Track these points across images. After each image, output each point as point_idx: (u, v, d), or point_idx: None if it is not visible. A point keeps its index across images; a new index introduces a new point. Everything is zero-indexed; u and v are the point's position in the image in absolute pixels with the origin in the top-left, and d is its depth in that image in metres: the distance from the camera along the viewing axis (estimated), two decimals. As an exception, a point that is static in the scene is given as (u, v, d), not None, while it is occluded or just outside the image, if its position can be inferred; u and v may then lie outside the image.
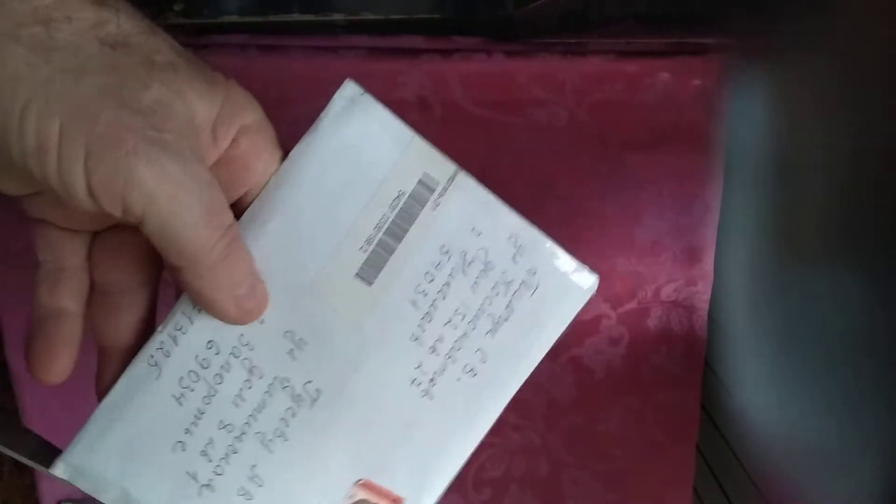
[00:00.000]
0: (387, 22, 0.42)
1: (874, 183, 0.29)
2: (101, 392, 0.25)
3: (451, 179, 0.25)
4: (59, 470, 0.24)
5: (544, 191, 0.44)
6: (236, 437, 0.24)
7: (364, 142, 0.25)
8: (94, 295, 0.25)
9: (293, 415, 0.24)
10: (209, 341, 0.24)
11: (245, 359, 0.24)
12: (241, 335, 0.24)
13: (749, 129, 0.41)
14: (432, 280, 0.25)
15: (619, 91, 0.41)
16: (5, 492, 0.88)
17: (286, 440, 0.24)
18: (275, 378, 0.24)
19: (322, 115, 0.26)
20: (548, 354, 0.48)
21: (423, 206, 0.25)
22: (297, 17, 0.42)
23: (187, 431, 0.24)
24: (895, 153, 0.28)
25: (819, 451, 0.35)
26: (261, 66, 0.42)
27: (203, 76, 0.22)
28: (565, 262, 0.26)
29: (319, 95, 0.43)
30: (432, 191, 0.25)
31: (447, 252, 0.25)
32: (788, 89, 0.36)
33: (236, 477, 0.24)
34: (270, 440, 0.24)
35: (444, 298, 0.25)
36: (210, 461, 0.24)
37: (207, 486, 0.24)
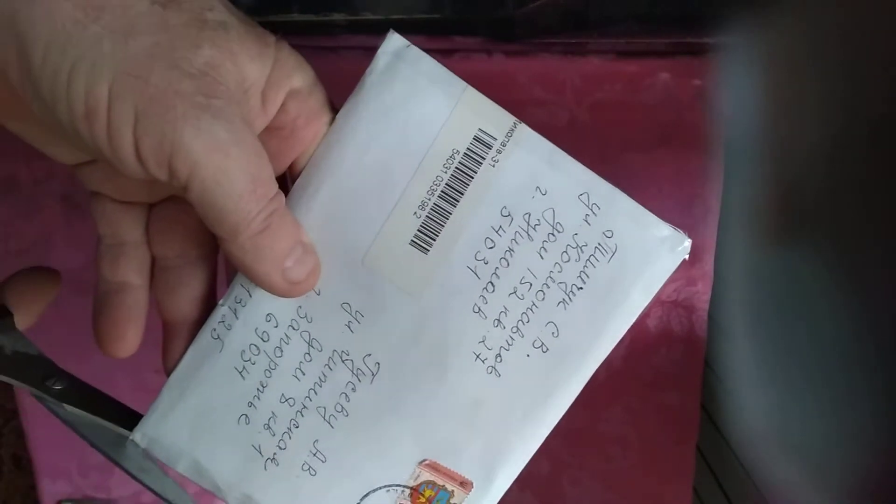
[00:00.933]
0: (387, 22, 0.42)
1: (866, 173, 0.29)
2: (169, 366, 0.25)
3: (510, 133, 0.23)
4: (138, 438, 0.24)
5: (544, 191, 0.44)
6: (298, 412, 0.24)
7: (413, 98, 0.23)
8: (156, 269, 0.25)
9: (353, 389, 0.24)
10: (268, 314, 0.23)
11: (304, 331, 0.23)
12: (300, 307, 0.23)
13: (744, 119, 0.41)
14: (493, 246, 0.22)
15: (620, 91, 0.41)
16: (5, 491, 0.88)
17: (347, 415, 0.24)
18: (334, 351, 0.23)
19: (367, 72, 0.24)
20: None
21: (480, 165, 0.23)
22: (296, 16, 0.42)
23: (250, 405, 0.24)
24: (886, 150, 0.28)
25: (819, 450, 0.35)
26: (261, 65, 0.42)
27: (255, 36, 0.22)
28: (648, 221, 0.23)
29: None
30: (489, 147, 0.23)
31: (509, 214, 0.22)
32: (776, 67, 0.36)
33: (299, 451, 0.24)
34: (332, 415, 0.24)
35: (507, 266, 0.23)
36: (273, 435, 0.24)
37: (272, 459, 0.24)
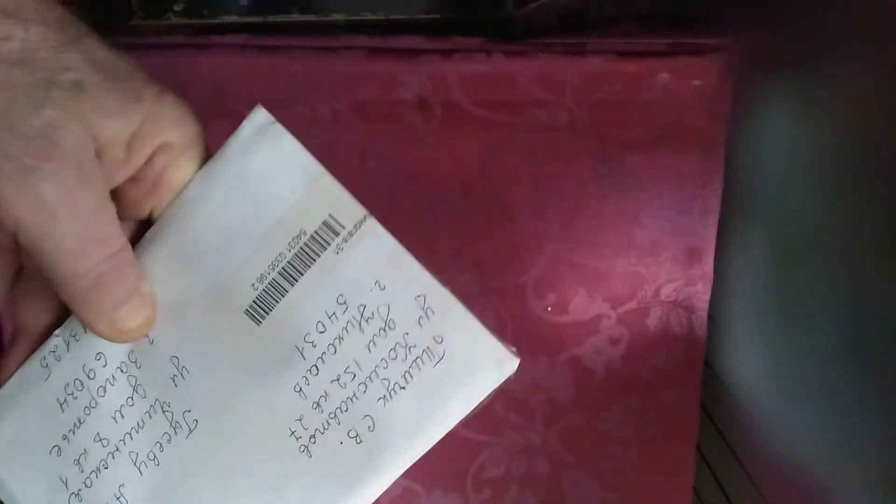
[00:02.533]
0: (387, 22, 0.42)
1: (878, 182, 0.29)
2: (3, 375, 0.25)
3: (359, 225, 0.24)
4: None
5: (544, 191, 0.44)
6: (110, 453, 0.24)
7: (270, 173, 0.24)
8: (22, 274, 0.25)
9: (168, 441, 0.24)
10: (98, 353, 0.24)
11: (131, 376, 0.24)
12: (131, 352, 0.24)
13: (753, 132, 0.41)
14: (324, 331, 0.23)
15: (619, 91, 0.41)
16: None
17: (158, 465, 0.24)
18: (156, 400, 0.24)
19: (229, 140, 0.25)
20: (547, 354, 0.48)
21: (324, 250, 0.23)
22: (297, 17, 0.42)
23: (65, 438, 0.24)
24: None
25: (820, 450, 0.35)
26: (261, 66, 0.42)
27: (120, 93, 0.22)
28: (480, 335, 0.23)
29: (320, 96, 0.44)
30: (336, 234, 0.23)
31: (345, 303, 0.23)
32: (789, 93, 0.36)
33: (103, 492, 0.24)
34: (143, 462, 0.24)
35: (334, 353, 0.23)
36: (82, 471, 0.24)
37: (76, 495, 0.24)
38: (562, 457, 0.49)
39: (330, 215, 0.24)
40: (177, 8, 0.41)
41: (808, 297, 0.35)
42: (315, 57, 0.42)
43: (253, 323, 0.23)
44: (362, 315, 0.23)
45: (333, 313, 0.23)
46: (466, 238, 0.45)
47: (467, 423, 0.51)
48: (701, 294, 0.45)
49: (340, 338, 0.23)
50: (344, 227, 0.24)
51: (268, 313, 0.23)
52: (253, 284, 0.23)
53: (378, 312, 0.23)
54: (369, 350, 0.23)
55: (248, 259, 0.23)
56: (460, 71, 0.41)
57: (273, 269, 0.23)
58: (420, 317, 0.23)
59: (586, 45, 0.42)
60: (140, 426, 0.24)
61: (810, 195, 0.34)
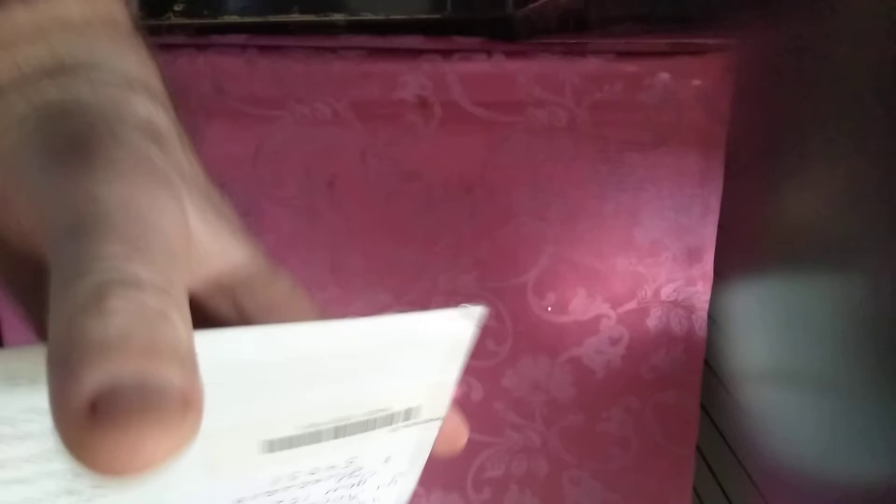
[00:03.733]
0: (387, 22, 0.42)
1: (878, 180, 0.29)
2: None
3: (429, 420, 0.21)
4: None
5: (544, 191, 0.44)
6: None
7: (421, 350, 0.20)
8: None
9: None
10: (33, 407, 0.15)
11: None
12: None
13: (751, 122, 0.41)
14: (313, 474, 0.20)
15: (619, 91, 0.41)
16: None
17: None
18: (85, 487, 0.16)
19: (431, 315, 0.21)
20: (547, 354, 0.48)
21: (385, 427, 0.20)
22: (297, 17, 0.42)
23: None
24: None
25: (820, 451, 0.35)
26: (261, 66, 0.42)
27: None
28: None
29: (320, 96, 0.44)
30: (408, 419, 0.21)
31: (350, 464, 0.20)
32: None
33: None
34: None
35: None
36: None
37: None
38: (562, 456, 0.49)
39: (419, 405, 0.21)
40: (177, 8, 0.42)
41: (810, 297, 0.35)
42: (315, 57, 0.42)
43: (262, 451, 0.18)
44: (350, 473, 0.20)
45: (333, 466, 0.20)
46: (466, 238, 0.45)
47: (468, 423, 0.51)
48: (701, 294, 0.45)
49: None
50: (420, 417, 0.21)
51: (281, 451, 0.20)
52: (297, 424, 0.19)
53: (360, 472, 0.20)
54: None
55: (315, 400, 0.19)
56: (460, 71, 0.41)
57: (332, 423, 0.20)
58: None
59: (586, 45, 0.42)
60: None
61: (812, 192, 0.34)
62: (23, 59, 0.16)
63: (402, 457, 0.21)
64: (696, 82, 0.41)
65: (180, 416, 0.10)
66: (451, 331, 0.20)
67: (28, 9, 0.16)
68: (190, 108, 0.43)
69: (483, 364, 0.47)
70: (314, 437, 0.19)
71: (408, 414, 0.20)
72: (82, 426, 0.10)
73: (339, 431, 0.19)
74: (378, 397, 0.19)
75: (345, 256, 0.46)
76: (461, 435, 0.21)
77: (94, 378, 0.10)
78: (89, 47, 0.17)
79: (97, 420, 0.10)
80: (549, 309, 0.46)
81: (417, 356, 0.20)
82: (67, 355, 0.10)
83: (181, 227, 0.15)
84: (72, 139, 0.15)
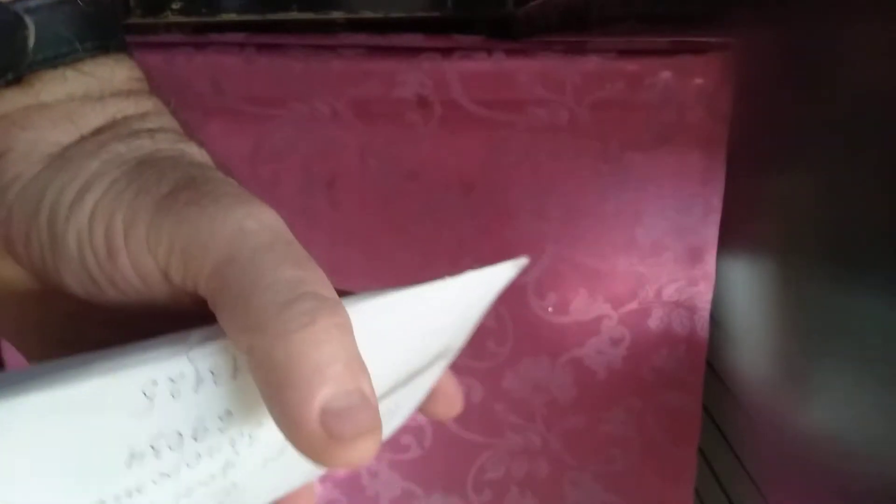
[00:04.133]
0: (386, 20, 0.42)
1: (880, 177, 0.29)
2: None
3: None
4: None
5: (545, 190, 0.43)
6: None
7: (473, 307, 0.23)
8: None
9: None
10: (227, 410, 0.17)
11: (230, 449, 0.17)
12: (261, 422, 0.17)
13: (752, 120, 0.41)
14: None
15: (620, 90, 0.41)
16: None
17: None
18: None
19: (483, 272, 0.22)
20: (548, 355, 0.48)
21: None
22: (295, 15, 0.42)
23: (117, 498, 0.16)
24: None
25: (823, 452, 0.34)
26: (260, 64, 0.42)
27: None
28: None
29: (319, 94, 0.43)
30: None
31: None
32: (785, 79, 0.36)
33: None
34: None
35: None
36: None
37: None
38: (562, 458, 0.49)
39: (460, 344, 0.22)
40: (175, 6, 0.41)
41: (812, 297, 0.35)
42: (314, 55, 0.42)
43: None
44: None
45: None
46: (466, 237, 0.45)
47: (467, 424, 0.51)
48: (703, 294, 0.45)
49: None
50: (452, 353, 0.23)
51: (389, 396, 0.21)
52: (399, 372, 0.21)
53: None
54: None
55: (409, 352, 0.21)
56: (460, 69, 0.41)
57: (414, 369, 0.21)
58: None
59: (587, 43, 0.41)
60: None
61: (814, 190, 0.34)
62: (81, 123, 0.18)
63: (424, 388, 0.22)
64: (698, 81, 0.41)
65: (378, 425, 0.15)
66: (501, 280, 0.22)
67: (84, 77, 0.18)
68: (188, 107, 0.43)
69: (483, 365, 0.47)
70: (406, 380, 0.21)
71: (447, 352, 0.22)
72: (320, 439, 0.14)
73: (413, 375, 0.21)
74: (443, 342, 0.21)
75: (344, 256, 0.46)
76: (459, 399, 0.23)
77: (322, 398, 0.14)
78: (134, 106, 0.19)
79: (332, 437, 0.14)
80: (550, 309, 0.45)
81: (476, 304, 0.22)
82: (295, 378, 0.14)
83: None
84: (176, 182, 0.17)
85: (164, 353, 0.16)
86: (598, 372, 0.47)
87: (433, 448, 0.49)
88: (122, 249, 0.17)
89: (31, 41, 0.17)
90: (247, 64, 0.42)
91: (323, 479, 0.50)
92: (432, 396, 0.22)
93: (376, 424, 0.15)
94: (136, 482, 0.16)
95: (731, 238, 0.43)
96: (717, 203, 0.43)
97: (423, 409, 0.22)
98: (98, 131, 0.18)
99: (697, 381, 0.46)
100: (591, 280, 0.45)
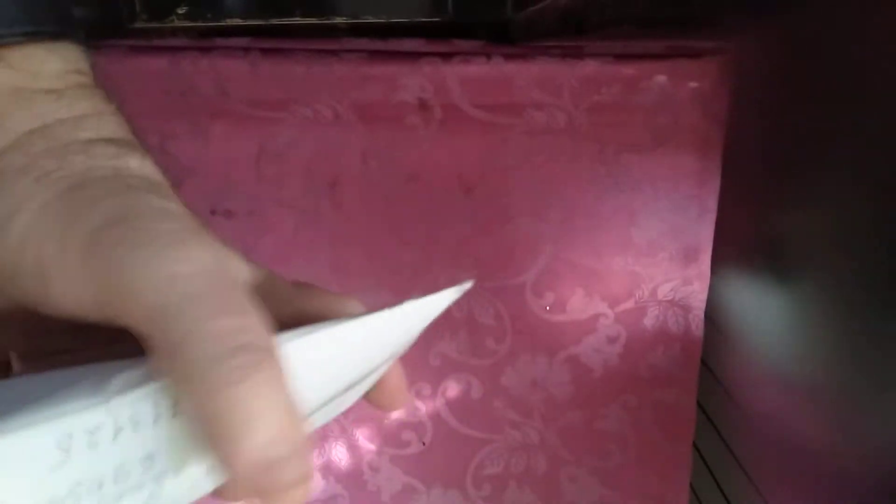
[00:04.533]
0: (388, 25, 0.42)
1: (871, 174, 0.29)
2: None
3: None
4: None
5: (543, 192, 0.44)
6: None
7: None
8: None
9: None
10: (149, 456, 0.16)
11: (163, 482, 0.17)
12: (186, 460, 0.17)
13: (747, 120, 0.41)
14: None
15: (617, 93, 0.42)
16: None
17: None
18: None
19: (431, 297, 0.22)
20: (545, 353, 0.48)
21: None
22: (298, 20, 0.42)
23: None
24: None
25: (816, 447, 0.35)
26: (263, 68, 0.42)
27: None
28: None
29: (321, 98, 0.44)
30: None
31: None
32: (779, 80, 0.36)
33: None
34: None
35: None
36: None
37: None
38: (560, 454, 0.49)
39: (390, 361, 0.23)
40: (180, 11, 0.42)
41: (805, 296, 0.35)
42: (317, 59, 0.42)
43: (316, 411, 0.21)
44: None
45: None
46: (466, 238, 0.45)
47: (467, 421, 0.52)
48: (697, 293, 0.45)
49: None
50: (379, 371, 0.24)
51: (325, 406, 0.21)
52: (337, 388, 0.21)
53: None
54: None
55: (352, 372, 0.21)
56: (460, 73, 0.42)
57: (352, 382, 0.22)
58: None
59: (584, 48, 0.42)
60: None
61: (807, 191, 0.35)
62: (7, 125, 0.16)
63: (366, 387, 0.23)
64: (693, 84, 0.42)
65: (307, 475, 0.15)
66: (447, 302, 0.23)
67: (9, 70, 0.16)
68: (193, 110, 0.44)
69: (482, 362, 0.47)
70: (346, 389, 0.21)
71: (390, 359, 0.23)
72: (250, 489, 0.15)
73: (354, 384, 0.22)
74: (385, 355, 0.22)
75: (346, 256, 0.46)
76: (402, 393, 0.23)
77: (251, 450, 0.15)
78: (67, 109, 0.17)
79: (260, 488, 0.15)
80: (548, 308, 0.46)
81: (421, 323, 0.22)
82: (226, 431, 0.15)
83: (232, 263, 0.18)
84: (106, 215, 0.16)
85: (82, 404, 0.15)
86: (595, 369, 0.47)
87: (433, 443, 0.49)
88: (54, 280, 0.16)
89: None
90: (251, 68, 0.42)
91: (325, 475, 0.50)
92: (377, 388, 0.22)
93: (305, 475, 0.15)
94: None
95: (726, 238, 0.44)
96: (712, 204, 0.44)
97: (367, 397, 0.22)
98: (28, 135, 0.16)
99: (692, 379, 0.47)
100: (587, 279, 0.45)
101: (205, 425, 0.15)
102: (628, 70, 0.42)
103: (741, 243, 0.43)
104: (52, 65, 0.17)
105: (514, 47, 0.42)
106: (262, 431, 0.15)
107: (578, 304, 0.46)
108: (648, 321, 0.46)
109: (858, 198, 0.30)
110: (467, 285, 0.22)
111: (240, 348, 0.15)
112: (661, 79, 0.42)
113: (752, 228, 0.41)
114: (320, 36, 0.42)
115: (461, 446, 0.49)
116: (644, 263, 0.45)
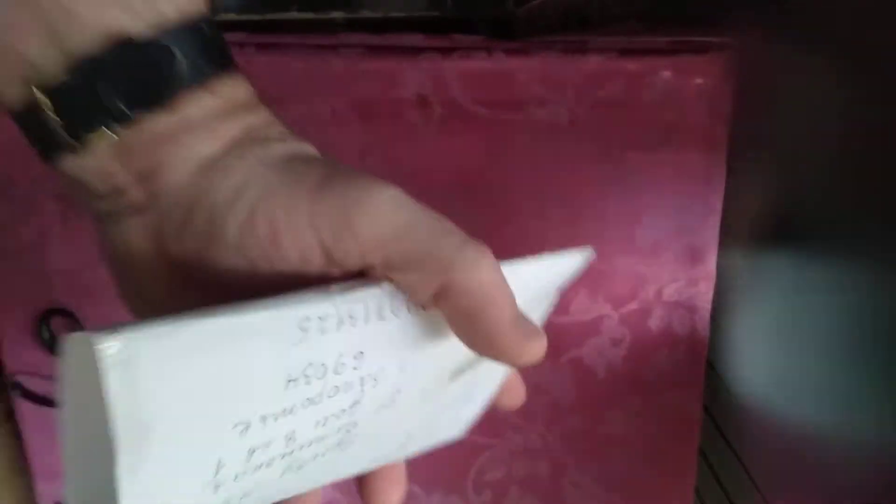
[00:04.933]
0: (386, 20, 0.41)
1: (878, 169, 0.29)
2: None
3: None
4: (105, 347, 0.16)
5: (545, 190, 0.43)
6: (287, 454, 0.21)
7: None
8: None
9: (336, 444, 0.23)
10: (360, 352, 0.21)
11: (360, 388, 0.21)
12: (384, 368, 0.22)
13: (753, 121, 0.41)
14: None
15: (621, 90, 0.41)
16: (0, 494, 0.88)
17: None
18: (349, 420, 0.22)
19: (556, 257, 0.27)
20: (548, 355, 0.48)
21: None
22: (295, 15, 0.41)
23: (263, 419, 0.19)
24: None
25: (823, 452, 0.34)
26: (259, 64, 0.42)
27: None
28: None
29: (319, 94, 0.43)
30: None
31: None
32: (786, 72, 0.36)
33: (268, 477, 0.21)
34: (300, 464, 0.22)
35: None
36: (248, 461, 0.20)
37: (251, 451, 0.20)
38: (563, 458, 0.49)
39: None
40: (174, 6, 0.41)
41: (813, 297, 0.35)
42: (314, 55, 0.41)
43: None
44: None
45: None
46: (466, 238, 0.45)
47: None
48: (703, 294, 0.45)
49: None
50: None
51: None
52: None
53: None
54: None
55: None
56: (460, 69, 0.41)
57: None
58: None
59: (587, 43, 0.41)
60: (326, 441, 0.22)
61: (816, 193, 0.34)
62: (221, 136, 0.21)
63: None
64: (699, 81, 0.41)
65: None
66: (571, 267, 0.27)
67: (214, 97, 0.21)
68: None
69: (483, 365, 0.47)
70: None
71: None
72: (518, 339, 0.21)
73: None
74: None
75: (344, 256, 0.45)
76: (522, 392, 0.30)
77: (513, 308, 0.22)
78: (257, 118, 0.23)
79: (525, 336, 0.22)
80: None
81: (550, 286, 0.27)
82: (494, 297, 0.21)
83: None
84: (320, 174, 0.21)
85: (314, 298, 0.19)
86: (599, 372, 0.47)
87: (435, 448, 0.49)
88: (283, 236, 0.20)
89: (178, 69, 0.20)
90: (246, 63, 0.41)
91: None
92: (502, 389, 0.28)
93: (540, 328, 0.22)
94: (290, 404, 0.20)
95: (732, 238, 0.43)
96: (717, 203, 0.43)
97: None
98: (236, 141, 0.21)
99: (698, 381, 0.46)
100: (591, 280, 0.44)
101: (473, 298, 0.21)
102: (632, 66, 0.41)
103: (747, 243, 0.42)
104: (240, 89, 0.22)
105: (516, 42, 0.41)
106: (511, 293, 0.22)
107: (582, 306, 0.45)
108: (653, 322, 0.45)
109: (868, 196, 0.30)
110: (589, 252, 0.27)
111: (468, 240, 0.22)
112: (666, 75, 0.41)
113: (758, 227, 0.41)
114: (317, 31, 0.42)
115: (461, 451, 0.49)
116: (648, 263, 0.44)
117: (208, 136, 0.21)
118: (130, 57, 0.19)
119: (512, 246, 0.45)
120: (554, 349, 0.48)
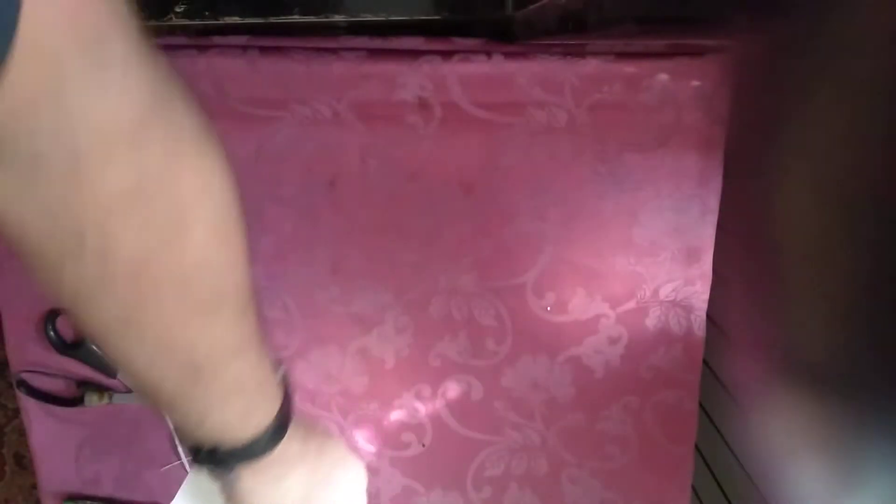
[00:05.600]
0: (387, 23, 0.42)
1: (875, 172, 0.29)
2: None
3: None
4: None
5: (543, 191, 0.44)
6: None
7: None
8: None
9: None
10: None
11: None
12: None
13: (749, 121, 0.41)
14: None
15: (618, 92, 0.42)
16: (7, 490, 0.88)
17: None
18: None
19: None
20: (546, 354, 0.48)
21: None
22: (297, 18, 0.42)
23: None
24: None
25: (818, 448, 0.35)
26: (262, 67, 0.42)
27: None
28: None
29: (320, 97, 0.44)
30: None
31: None
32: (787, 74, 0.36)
33: None
34: None
35: None
36: None
37: None
38: (561, 455, 0.49)
39: None
40: (178, 9, 0.42)
41: (808, 296, 0.35)
42: (315, 58, 0.42)
43: None
44: None
45: None
46: (466, 238, 0.45)
47: (467, 422, 0.52)
48: (700, 294, 0.45)
49: None
50: None
51: None
52: None
53: None
54: None
55: None
56: (460, 72, 0.42)
57: None
58: None
59: (585, 46, 0.42)
60: None
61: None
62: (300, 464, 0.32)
63: None
64: (695, 83, 0.42)
65: None
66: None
67: (300, 441, 0.30)
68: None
69: (483, 363, 0.47)
70: None
71: None
72: None
73: None
74: None
75: (345, 256, 0.46)
76: None
77: None
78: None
79: None
80: (549, 309, 0.46)
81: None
82: None
83: None
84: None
85: None
86: (597, 370, 0.47)
87: (434, 445, 0.49)
88: None
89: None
90: (249, 66, 0.42)
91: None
92: None
93: None
94: None
95: (728, 238, 0.44)
96: (714, 203, 0.44)
97: None
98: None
99: (694, 379, 0.47)
100: (589, 280, 0.45)
101: None
102: (630, 68, 0.41)
103: (743, 243, 0.42)
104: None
105: (515, 45, 0.42)
106: None
107: (580, 305, 0.45)
108: (650, 322, 0.46)
109: (862, 196, 0.30)
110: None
111: None
112: (663, 77, 0.42)
113: (754, 228, 0.41)
114: (319, 34, 0.42)
115: (461, 448, 0.49)
116: (646, 263, 0.45)
117: None
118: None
119: (512, 246, 0.45)
120: (552, 348, 0.49)
